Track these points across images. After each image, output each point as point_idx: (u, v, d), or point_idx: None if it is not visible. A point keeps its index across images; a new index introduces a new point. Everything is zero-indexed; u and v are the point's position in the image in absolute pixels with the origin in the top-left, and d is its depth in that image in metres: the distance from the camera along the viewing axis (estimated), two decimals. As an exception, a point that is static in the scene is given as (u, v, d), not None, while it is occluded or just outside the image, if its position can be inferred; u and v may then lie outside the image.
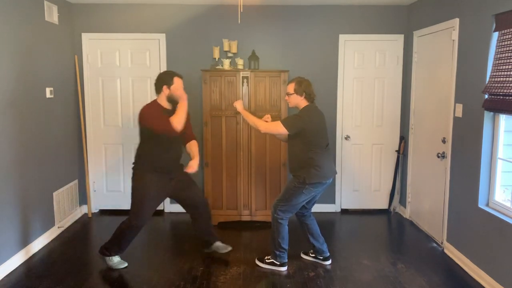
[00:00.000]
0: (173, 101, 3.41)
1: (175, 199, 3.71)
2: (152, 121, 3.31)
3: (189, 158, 3.56)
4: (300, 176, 3.41)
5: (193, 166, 3.47)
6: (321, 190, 3.51)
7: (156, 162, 3.42)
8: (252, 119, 3.53)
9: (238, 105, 3.69)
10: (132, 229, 3.49)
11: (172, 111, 3.39)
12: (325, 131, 3.52)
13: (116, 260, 3.62)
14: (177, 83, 3.40)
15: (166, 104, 3.42)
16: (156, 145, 3.40)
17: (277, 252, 3.61)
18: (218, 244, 3.84)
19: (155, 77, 3.47)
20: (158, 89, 3.42)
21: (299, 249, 3.91)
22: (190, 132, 3.71)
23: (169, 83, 3.37)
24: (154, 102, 3.44)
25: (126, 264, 3.64)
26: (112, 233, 3.60)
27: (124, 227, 3.51)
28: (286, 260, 3.64)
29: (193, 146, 3.65)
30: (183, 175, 3.62)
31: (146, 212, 3.47)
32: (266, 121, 3.61)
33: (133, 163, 3.52)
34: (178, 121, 3.28)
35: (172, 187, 3.55)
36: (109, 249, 3.60)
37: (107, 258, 3.61)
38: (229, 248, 3.82)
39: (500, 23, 3.17)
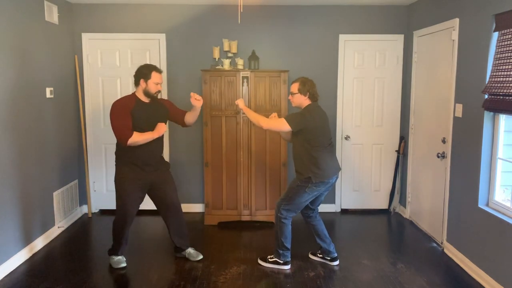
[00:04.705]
0: (150, 95, 3.42)
1: (150, 195, 3.66)
2: (113, 119, 3.32)
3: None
4: (303, 175, 3.42)
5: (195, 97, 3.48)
6: (325, 189, 3.51)
7: (133, 155, 3.41)
8: (254, 116, 3.53)
9: (240, 103, 3.69)
10: (118, 222, 3.54)
11: (148, 105, 3.43)
12: (328, 129, 3.52)
13: (115, 259, 3.65)
14: (155, 77, 3.39)
15: (143, 98, 3.44)
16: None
17: (280, 251, 3.61)
18: (190, 250, 3.81)
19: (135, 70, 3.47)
20: (136, 82, 3.42)
21: (299, 249, 3.91)
22: (180, 111, 3.69)
23: (146, 77, 3.38)
24: (132, 95, 3.45)
25: (124, 265, 3.65)
26: (111, 233, 3.63)
27: (114, 221, 3.59)
28: (289, 259, 3.64)
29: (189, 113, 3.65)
30: (164, 173, 3.63)
31: (129, 205, 3.48)
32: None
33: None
34: (134, 141, 3.30)
35: (150, 181, 3.52)
36: (112, 247, 3.67)
37: (110, 258, 3.69)
38: (200, 257, 3.78)
39: (500, 23, 3.17)
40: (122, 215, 3.51)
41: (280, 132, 3.74)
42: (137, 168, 3.44)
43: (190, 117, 3.66)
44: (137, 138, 3.31)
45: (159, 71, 3.44)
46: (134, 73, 3.45)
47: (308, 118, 3.40)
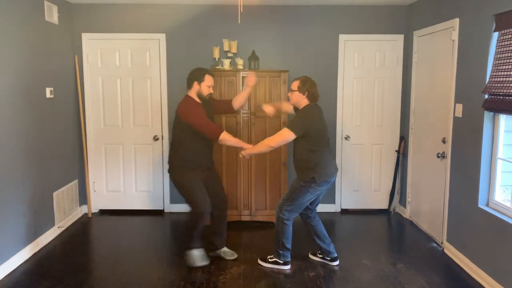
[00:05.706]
0: (202, 97, 3.56)
1: None
2: (195, 116, 3.45)
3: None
4: (307, 175, 3.42)
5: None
6: (325, 188, 3.52)
7: (193, 160, 3.55)
8: (261, 145, 3.51)
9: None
10: (198, 216, 3.52)
11: (201, 106, 3.57)
12: (326, 128, 3.54)
13: (196, 253, 3.61)
14: (208, 80, 3.54)
15: (197, 99, 3.57)
16: (195, 143, 3.53)
17: (281, 252, 3.61)
18: (225, 249, 3.84)
19: (188, 73, 3.63)
20: (190, 84, 3.57)
21: (299, 249, 3.91)
22: (224, 100, 3.98)
23: (200, 80, 3.52)
24: (189, 97, 3.56)
25: (208, 261, 3.65)
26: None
27: (191, 220, 3.56)
28: (289, 259, 3.65)
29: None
30: (214, 171, 3.79)
31: (202, 198, 3.52)
32: (270, 107, 3.76)
33: (169, 163, 3.62)
34: (224, 138, 3.48)
35: (204, 177, 3.63)
36: (192, 241, 3.62)
37: (188, 253, 3.61)
38: (235, 256, 3.81)
39: (500, 23, 3.17)
40: (200, 209, 3.49)
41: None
42: (198, 171, 3.58)
43: (237, 102, 3.83)
44: (227, 137, 3.50)
45: (212, 74, 3.59)
46: (187, 76, 3.59)
47: (308, 120, 3.41)
